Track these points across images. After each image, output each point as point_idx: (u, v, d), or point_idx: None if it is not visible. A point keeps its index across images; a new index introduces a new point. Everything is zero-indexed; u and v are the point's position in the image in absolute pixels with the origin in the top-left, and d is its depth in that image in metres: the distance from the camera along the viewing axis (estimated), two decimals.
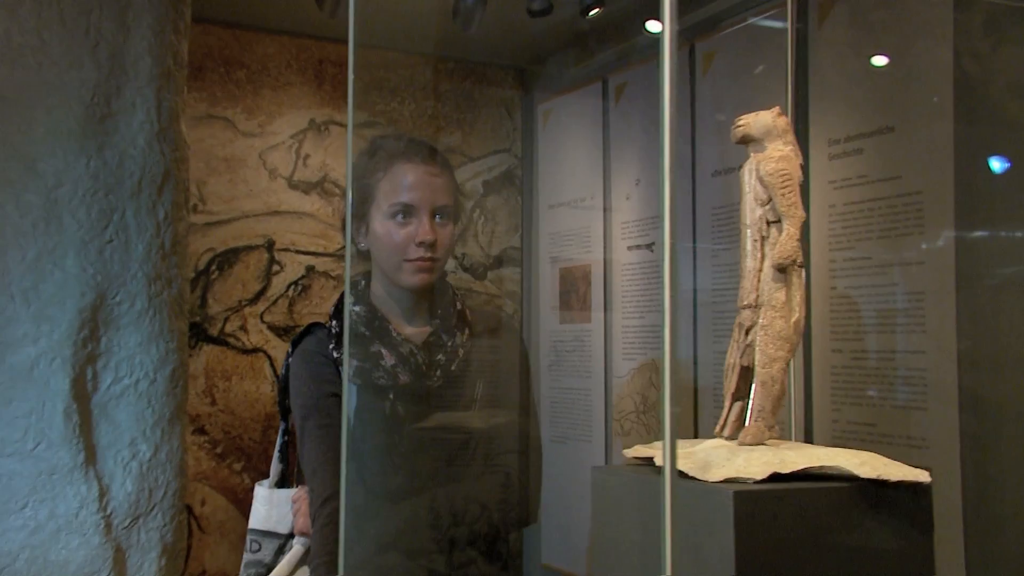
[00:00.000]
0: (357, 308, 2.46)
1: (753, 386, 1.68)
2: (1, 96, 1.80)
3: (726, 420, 1.72)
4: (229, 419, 3.47)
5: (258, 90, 3.56)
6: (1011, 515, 2.19)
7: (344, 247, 3.35)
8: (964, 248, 2.26)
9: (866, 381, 2.46)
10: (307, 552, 2.46)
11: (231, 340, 3.49)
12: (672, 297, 1.22)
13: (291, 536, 2.51)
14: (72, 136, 1.81)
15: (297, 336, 2.55)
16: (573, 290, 3.66)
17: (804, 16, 2.66)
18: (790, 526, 1.49)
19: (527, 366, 2.71)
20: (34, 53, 1.82)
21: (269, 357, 3.54)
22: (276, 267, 3.57)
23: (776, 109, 1.73)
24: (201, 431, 3.44)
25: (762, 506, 1.46)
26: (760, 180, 1.67)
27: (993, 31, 2.25)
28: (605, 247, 3.49)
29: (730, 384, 1.71)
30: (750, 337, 1.66)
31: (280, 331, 3.56)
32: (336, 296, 2.81)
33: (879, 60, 2.48)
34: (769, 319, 1.63)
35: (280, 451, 2.65)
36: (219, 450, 3.46)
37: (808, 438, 2.61)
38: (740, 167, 1.77)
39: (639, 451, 1.78)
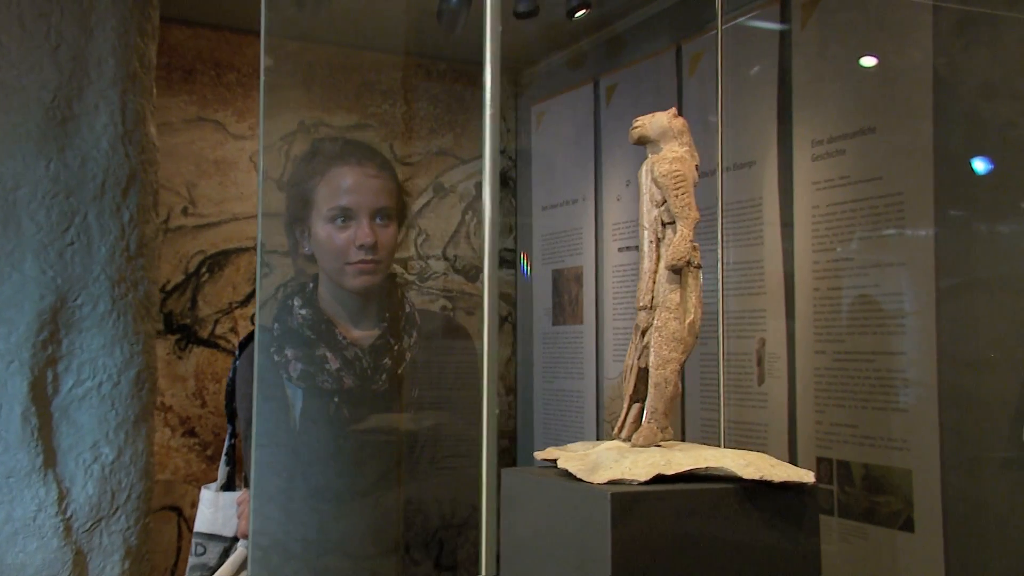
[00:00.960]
0: (304, 311, 2.44)
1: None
2: None
3: (624, 422, 1.71)
4: (219, 421, 3.47)
5: (248, 92, 3.56)
6: (991, 514, 2.17)
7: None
8: (944, 249, 2.24)
9: (848, 383, 2.44)
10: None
11: (221, 342, 3.49)
12: (491, 298, 1.30)
13: (236, 539, 2.50)
14: (31, 138, 1.81)
15: (243, 339, 2.55)
16: (565, 291, 3.65)
17: (787, 18, 2.65)
18: (670, 527, 1.48)
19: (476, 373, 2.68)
20: None
21: None
22: (266, 269, 3.57)
23: (672, 110, 1.73)
24: (191, 433, 3.44)
25: (641, 508, 1.46)
26: (655, 181, 1.66)
27: (968, 34, 2.24)
28: (597, 248, 3.48)
29: (628, 385, 1.70)
30: (646, 339, 1.64)
31: None
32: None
33: (860, 62, 2.47)
34: (663, 320, 1.61)
35: (227, 454, 2.64)
36: (209, 452, 3.46)
37: (792, 441, 2.59)
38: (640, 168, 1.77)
39: (549, 453, 1.77)
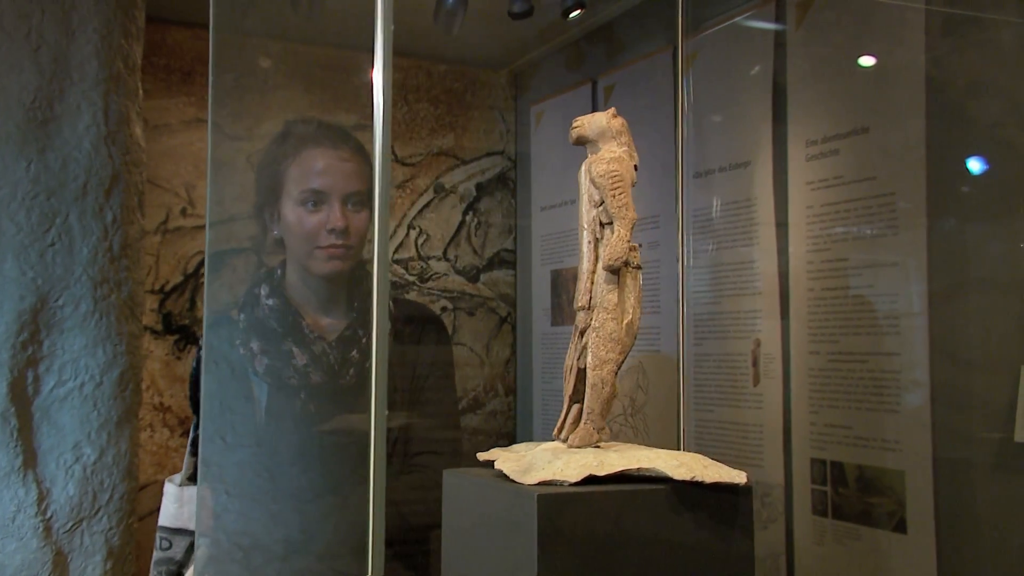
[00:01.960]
0: (271, 301, 2.37)
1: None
2: None
3: (564, 422, 1.70)
4: None
5: (244, 95, 3.56)
6: (984, 515, 2.15)
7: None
8: (936, 248, 2.23)
9: (842, 383, 2.43)
10: None
11: None
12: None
13: None
14: (11, 139, 1.81)
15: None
16: (565, 291, 3.63)
17: (782, 19, 2.64)
18: (599, 528, 1.47)
19: (451, 367, 2.66)
20: None
21: None
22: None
23: (612, 111, 1.71)
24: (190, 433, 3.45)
25: (569, 509, 1.45)
26: (592, 181, 1.64)
27: (960, 34, 2.24)
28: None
29: (568, 386, 1.68)
30: (585, 339, 1.63)
31: None
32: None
33: (854, 62, 2.46)
34: (601, 321, 1.60)
35: (192, 445, 2.56)
36: None
37: (787, 442, 2.58)
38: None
39: (492, 454, 1.76)
